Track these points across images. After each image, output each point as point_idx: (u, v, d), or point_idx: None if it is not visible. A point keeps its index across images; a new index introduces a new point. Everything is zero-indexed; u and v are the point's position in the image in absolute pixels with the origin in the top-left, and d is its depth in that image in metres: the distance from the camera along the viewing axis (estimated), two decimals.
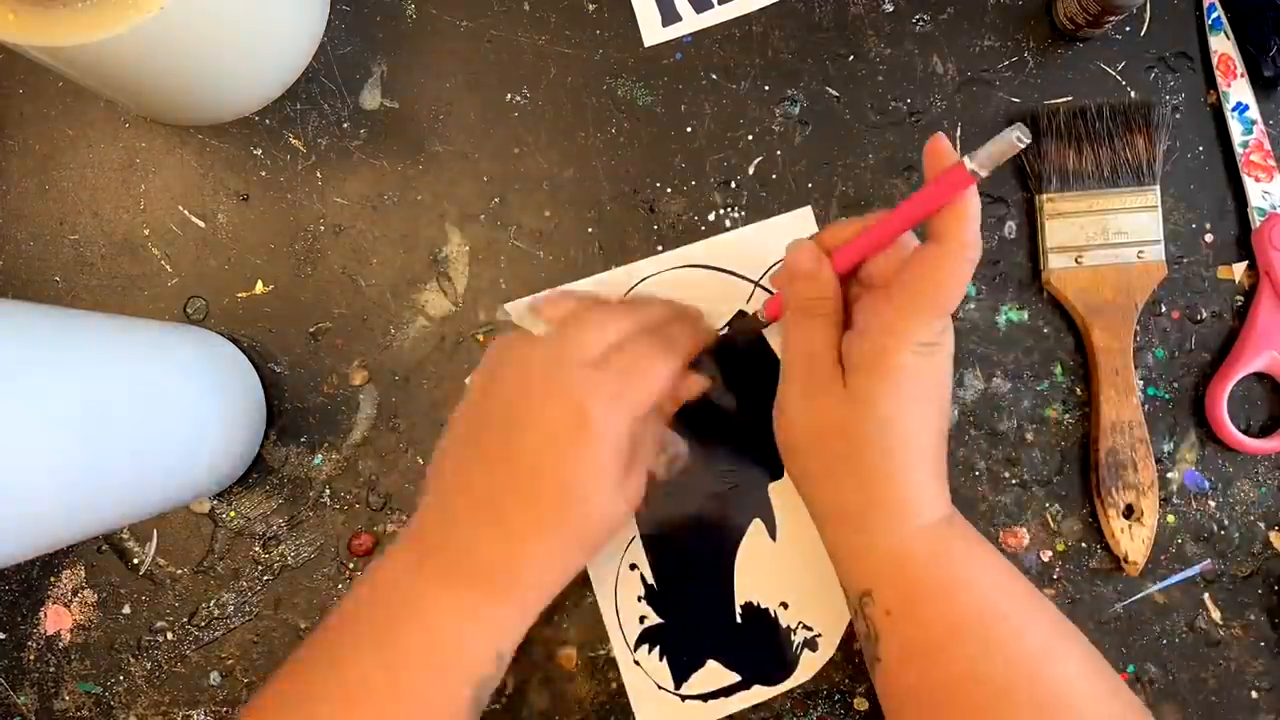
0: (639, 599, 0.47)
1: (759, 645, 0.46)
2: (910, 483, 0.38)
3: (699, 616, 0.46)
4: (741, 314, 0.46)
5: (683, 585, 0.47)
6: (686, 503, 0.47)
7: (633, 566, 0.47)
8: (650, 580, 0.47)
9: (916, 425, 0.37)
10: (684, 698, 0.46)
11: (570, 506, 0.38)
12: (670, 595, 0.47)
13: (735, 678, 0.46)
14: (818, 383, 0.39)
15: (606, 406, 0.37)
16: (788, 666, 0.46)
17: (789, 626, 0.46)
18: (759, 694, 0.46)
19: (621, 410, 0.37)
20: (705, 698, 0.46)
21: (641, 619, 0.46)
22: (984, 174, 0.34)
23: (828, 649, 0.46)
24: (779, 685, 0.46)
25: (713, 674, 0.46)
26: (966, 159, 0.34)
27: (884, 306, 0.37)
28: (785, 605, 0.46)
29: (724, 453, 0.47)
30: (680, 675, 0.46)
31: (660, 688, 0.46)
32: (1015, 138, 0.32)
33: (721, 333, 0.47)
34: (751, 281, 0.48)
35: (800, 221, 0.48)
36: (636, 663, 0.46)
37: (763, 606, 0.46)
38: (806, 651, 0.46)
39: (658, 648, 0.46)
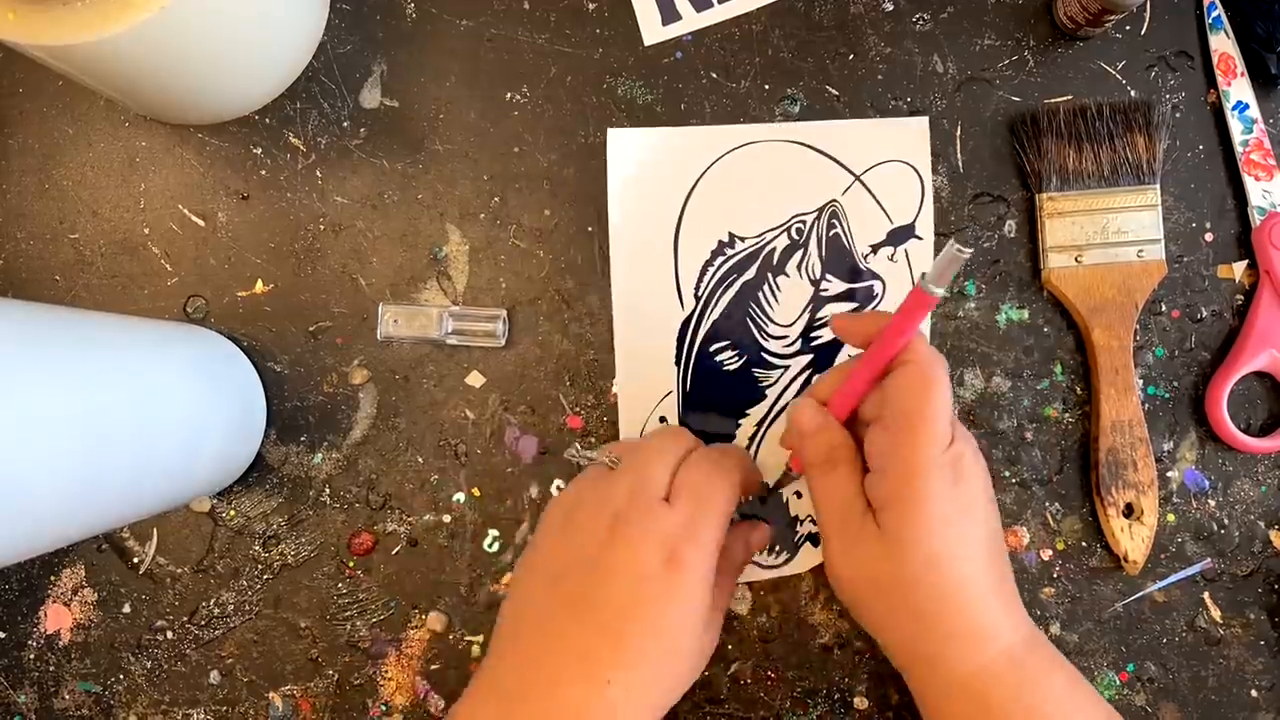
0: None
1: (766, 520, 0.47)
2: (973, 610, 0.37)
3: None
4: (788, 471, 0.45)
5: (703, 433, 0.47)
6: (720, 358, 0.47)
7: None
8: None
9: (963, 550, 0.37)
10: None
11: (661, 646, 0.37)
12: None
13: None
14: (853, 534, 0.38)
15: (692, 543, 0.37)
16: (790, 551, 0.47)
17: (797, 516, 0.47)
18: (753, 574, 0.47)
19: (705, 545, 0.38)
20: None
21: None
22: (941, 291, 0.34)
23: None
24: (778, 570, 0.47)
25: None
26: (920, 282, 0.35)
27: (888, 441, 0.38)
28: (799, 495, 0.47)
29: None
30: None
31: None
32: (956, 250, 0.33)
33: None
34: (853, 174, 0.47)
35: (916, 129, 0.47)
36: None
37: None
38: (808, 545, 0.47)
39: None
